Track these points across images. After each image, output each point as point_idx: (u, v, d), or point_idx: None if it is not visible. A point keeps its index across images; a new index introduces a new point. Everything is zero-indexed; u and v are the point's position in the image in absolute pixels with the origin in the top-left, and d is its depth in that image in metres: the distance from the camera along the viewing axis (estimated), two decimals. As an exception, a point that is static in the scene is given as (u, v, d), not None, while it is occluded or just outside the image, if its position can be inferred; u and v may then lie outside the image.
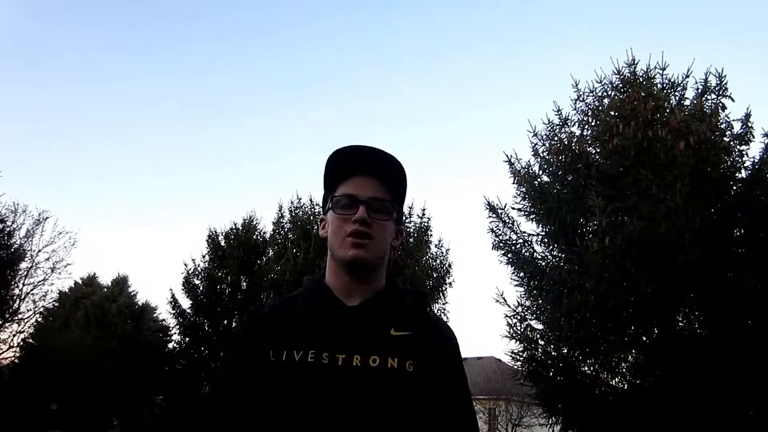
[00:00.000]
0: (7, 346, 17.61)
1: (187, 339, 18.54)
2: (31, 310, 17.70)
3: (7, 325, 16.49)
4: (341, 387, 1.11)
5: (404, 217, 1.41)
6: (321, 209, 1.47)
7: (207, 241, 19.03)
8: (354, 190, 1.26)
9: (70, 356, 17.45)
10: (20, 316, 17.00)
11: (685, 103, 8.22)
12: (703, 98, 7.99)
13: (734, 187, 7.45)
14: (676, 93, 8.39)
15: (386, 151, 1.30)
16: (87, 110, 43.32)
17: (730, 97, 7.84)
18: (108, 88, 43.66)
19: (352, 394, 1.11)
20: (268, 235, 18.09)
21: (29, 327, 18.92)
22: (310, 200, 15.96)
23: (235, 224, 19.14)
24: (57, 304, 21.76)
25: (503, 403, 27.41)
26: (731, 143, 7.64)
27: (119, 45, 43.26)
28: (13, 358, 19.07)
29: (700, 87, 8.07)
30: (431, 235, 15.80)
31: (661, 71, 8.39)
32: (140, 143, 46.73)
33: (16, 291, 16.53)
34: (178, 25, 46.25)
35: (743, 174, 7.57)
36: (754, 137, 7.63)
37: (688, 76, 8.26)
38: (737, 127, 7.73)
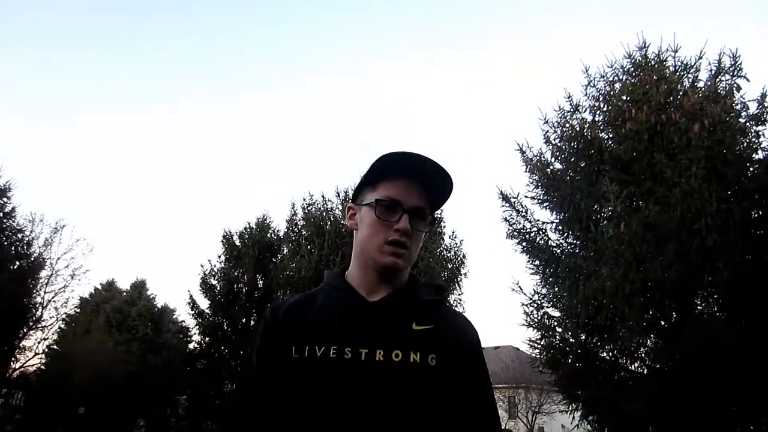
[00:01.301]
0: (33, 353, 17.91)
1: (207, 339, 18.73)
2: (53, 317, 17.95)
3: (31, 332, 16.75)
4: (365, 382, 1.12)
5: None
6: (349, 199, 1.45)
7: (222, 241, 19.20)
8: (398, 194, 1.24)
9: (94, 361, 17.73)
10: (43, 323, 17.26)
11: (698, 85, 8.11)
12: (717, 79, 7.86)
13: (751, 169, 7.34)
14: (689, 75, 8.27)
15: (438, 161, 1.26)
16: (101, 115, 43.72)
17: (745, 77, 7.73)
18: (119, 89, 44.04)
19: (376, 389, 1.11)
20: (281, 233, 18.20)
21: (53, 334, 19.24)
22: (322, 197, 16.03)
23: (249, 224, 19.30)
24: (78, 310, 22.12)
25: (523, 391, 27.37)
26: (747, 124, 7.53)
27: (134, 43, 43.60)
28: (39, 365, 19.40)
29: (714, 68, 7.95)
30: (444, 226, 15.82)
31: (673, 53, 8.30)
32: (152, 146, 47.14)
33: (38, 299, 16.79)
34: (191, 23, 46.46)
35: (760, 155, 7.47)
36: (770, 117, 7.53)
37: (701, 58, 8.15)
38: (753, 108, 7.62)
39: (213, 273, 18.88)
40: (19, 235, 15.26)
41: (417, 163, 1.25)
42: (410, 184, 1.26)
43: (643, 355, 7.93)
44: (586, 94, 8.93)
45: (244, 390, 1.27)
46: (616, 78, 8.67)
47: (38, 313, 16.70)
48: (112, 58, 43.33)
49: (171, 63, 46.81)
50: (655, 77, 7.88)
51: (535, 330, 8.67)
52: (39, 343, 17.92)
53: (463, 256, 15.60)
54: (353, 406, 1.10)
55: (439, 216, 15.70)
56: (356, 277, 1.30)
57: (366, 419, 1.09)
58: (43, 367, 19.64)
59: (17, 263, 15.12)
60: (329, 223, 14.74)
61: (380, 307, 1.23)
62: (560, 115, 8.95)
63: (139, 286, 24.97)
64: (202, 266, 18.97)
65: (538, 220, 9.04)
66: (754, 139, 7.52)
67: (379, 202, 1.25)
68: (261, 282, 18.48)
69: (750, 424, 6.92)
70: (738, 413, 6.85)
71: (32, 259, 15.92)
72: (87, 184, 46.41)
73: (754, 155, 7.47)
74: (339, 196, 15.81)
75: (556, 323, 8.65)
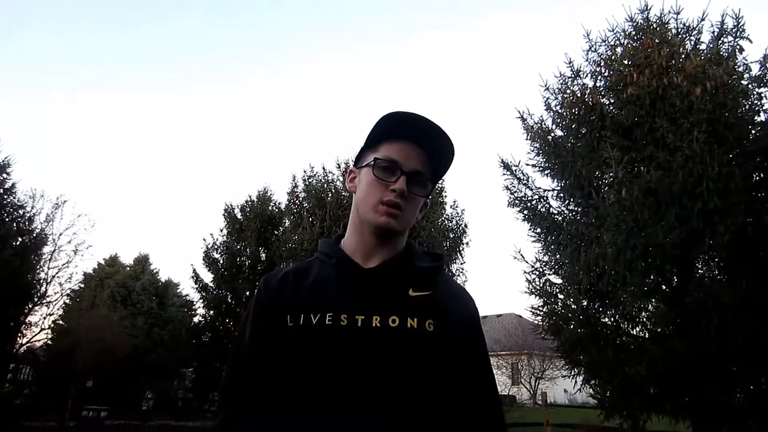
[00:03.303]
0: (39, 329, 18.08)
1: (212, 312, 18.96)
2: (57, 292, 18.03)
3: (36, 308, 16.88)
4: (361, 348, 1.10)
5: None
6: (353, 163, 1.42)
7: (223, 215, 19.28)
8: (398, 156, 1.22)
9: (99, 335, 17.94)
10: (48, 299, 17.36)
11: (700, 48, 7.99)
12: (720, 41, 7.75)
13: (753, 131, 7.29)
14: (692, 37, 8.14)
15: (443, 128, 1.24)
16: (100, 88, 43.31)
17: (747, 38, 7.60)
18: (120, 62, 43.54)
19: (373, 355, 1.10)
20: (283, 206, 18.23)
21: (58, 309, 19.39)
22: (323, 168, 15.99)
23: (250, 197, 19.33)
24: (83, 286, 22.28)
25: (525, 357, 27.80)
26: (749, 86, 7.44)
27: (135, 14, 42.92)
28: (45, 340, 19.62)
29: (716, 30, 7.81)
30: (446, 196, 15.81)
31: (675, 15, 8.16)
32: (154, 120, 46.83)
33: (42, 275, 16.87)
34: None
35: (762, 117, 7.40)
36: (773, 79, 7.43)
37: (703, 19, 8.01)
38: (755, 69, 7.51)
39: (215, 247, 19.02)
40: (20, 211, 15.26)
41: (422, 126, 1.23)
42: (412, 148, 1.24)
43: (644, 319, 7.99)
44: (587, 60, 8.82)
45: (235, 363, 1.22)
46: (617, 42, 8.55)
47: (42, 288, 16.81)
48: (112, 29, 42.67)
49: (171, 36, 46.12)
50: (656, 40, 7.75)
51: (537, 297, 8.74)
52: (44, 318, 18.10)
53: (465, 225, 15.63)
54: (350, 372, 1.09)
55: (440, 185, 15.68)
56: (352, 243, 1.28)
57: (364, 385, 1.08)
58: (49, 342, 19.87)
59: (19, 239, 15.16)
60: (330, 194, 14.72)
61: (376, 273, 1.22)
62: (561, 81, 8.86)
63: (143, 261, 25.14)
64: (204, 240, 19.14)
65: (539, 188, 9.03)
66: (756, 101, 7.44)
67: (377, 160, 1.23)
68: (263, 255, 18.61)
69: (750, 385, 7.02)
70: (738, 374, 6.95)
71: (34, 234, 15.95)
72: (87, 159, 46.30)
73: (756, 117, 7.40)
74: (339, 167, 15.76)
75: (558, 290, 8.70)
